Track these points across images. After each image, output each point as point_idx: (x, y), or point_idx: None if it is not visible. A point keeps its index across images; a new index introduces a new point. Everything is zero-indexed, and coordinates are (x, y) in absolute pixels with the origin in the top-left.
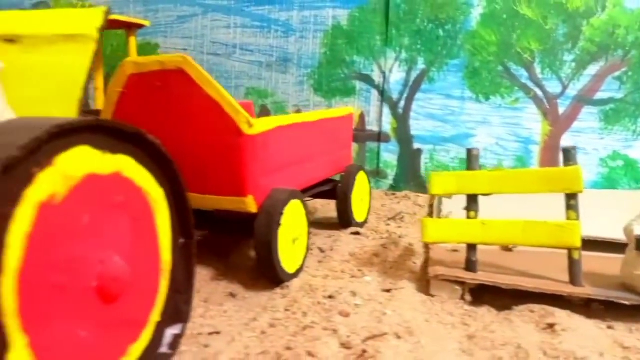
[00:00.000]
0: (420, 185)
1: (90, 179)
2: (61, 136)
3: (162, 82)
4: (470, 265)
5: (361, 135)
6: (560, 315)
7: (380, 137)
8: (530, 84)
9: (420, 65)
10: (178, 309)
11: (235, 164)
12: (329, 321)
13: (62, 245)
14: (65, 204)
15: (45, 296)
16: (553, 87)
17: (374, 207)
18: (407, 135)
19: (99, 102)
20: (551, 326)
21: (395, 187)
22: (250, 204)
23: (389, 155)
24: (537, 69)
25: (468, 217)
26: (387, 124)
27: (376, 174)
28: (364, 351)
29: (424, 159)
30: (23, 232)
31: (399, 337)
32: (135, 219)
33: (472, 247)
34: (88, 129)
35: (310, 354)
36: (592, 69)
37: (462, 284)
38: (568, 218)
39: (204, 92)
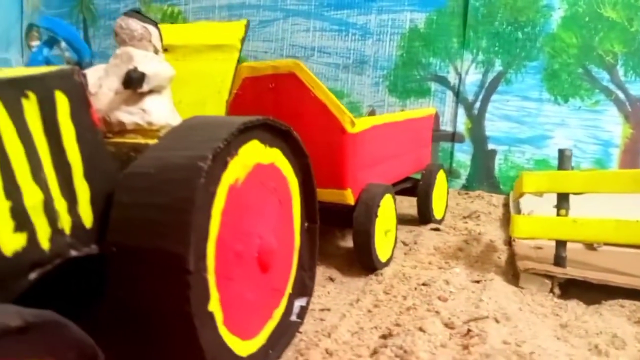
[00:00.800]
0: (494, 185)
1: (257, 167)
2: (245, 131)
3: (274, 84)
4: (560, 260)
5: (435, 135)
6: None
7: (454, 137)
8: (611, 87)
9: (498, 67)
10: (304, 284)
11: (337, 159)
12: (429, 304)
13: (240, 220)
14: (243, 187)
15: (230, 261)
16: (636, 89)
17: (448, 205)
18: (482, 136)
19: None
20: None
21: (468, 187)
22: (349, 197)
23: (463, 155)
24: (620, 71)
25: (558, 215)
26: (462, 124)
27: (449, 174)
28: (469, 330)
29: (498, 160)
30: (220, 207)
31: (497, 321)
32: (281, 203)
33: (561, 244)
34: (259, 126)
35: (421, 329)
36: None
37: (551, 278)
38: None
39: (313, 94)
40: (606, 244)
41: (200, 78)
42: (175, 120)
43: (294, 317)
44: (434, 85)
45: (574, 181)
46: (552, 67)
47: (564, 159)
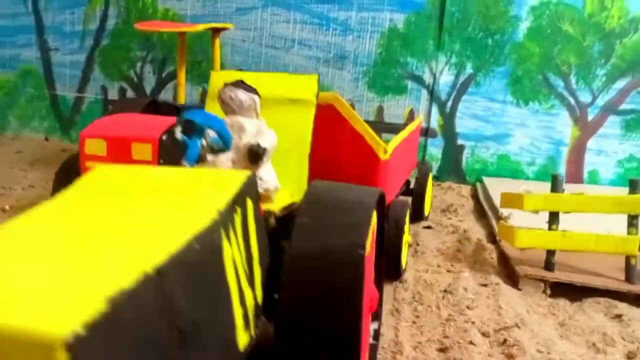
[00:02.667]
0: (461, 177)
1: (373, 232)
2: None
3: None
4: (550, 266)
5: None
6: (622, 307)
7: (427, 132)
8: (565, 93)
9: (469, 70)
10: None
11: (371, 183)
12: (462, 314)
13: (369, 280)
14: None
15: (365, 319)
16: (585, 97)
17: None
18: (452, 132)
19: (180, 97)
20: (618, 316)
21: (438, 178)
22: None
23: (434, 149)
24: (573, 80)
25: (550, 229)
26: (435, 121)
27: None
28: (505, 340)
29: (465, 154)
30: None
31: (519, 327)
32: (375, 250)
33: (552, 252)
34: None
35: (471, 342)
36: (620, 83)
37: (543, 280)
38: (629, 233)
39: (350, 125)
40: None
41: (280, 130)
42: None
43: (371, 340)
44: (410, 84)
45: (565, 202)
46: (516, 73)
47: (557, 183)
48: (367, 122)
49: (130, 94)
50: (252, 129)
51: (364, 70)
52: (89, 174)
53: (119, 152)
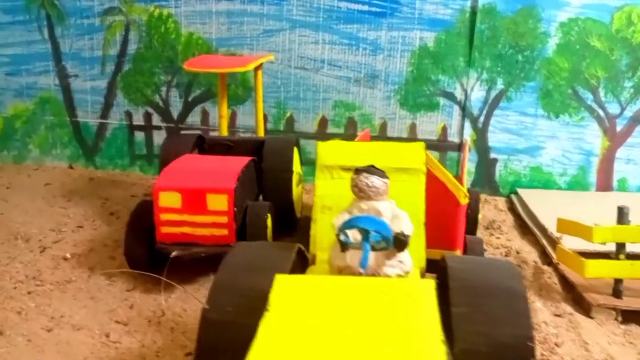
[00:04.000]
0: (494, 189)
1: None
2: None
3: None
4: (619, 293)
5: (443, 145)
6: None
7: (460, 147)
8: (594, 106)
9: (500, 85)
10: None
11: (452, 226)
12: (554, 352)
13: None
14: None
15: None
16: (613, 108)
17: None
18: (485, 146)
19: (222, 129)
20: None
21: None
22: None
23: (468, 164)
24: (601, 92)
25: (618, 259)
26: (467, 136)
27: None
28: None
29: (498, 167)
30: None
31: None
32: None
33: (619, 280)
34: None
35: None
36: None
37: (614, 308)
38: None
39: (433, 174)
40: None
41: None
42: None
43: None
44: (442, 100)
45: (633, 234)
46: (546, 87)
47: (622, 215)
48: (400, 139)
49: (156, 119)
50: (388, 214)
51: (396, 88)
52: (277, 288)
53: (194, 204)
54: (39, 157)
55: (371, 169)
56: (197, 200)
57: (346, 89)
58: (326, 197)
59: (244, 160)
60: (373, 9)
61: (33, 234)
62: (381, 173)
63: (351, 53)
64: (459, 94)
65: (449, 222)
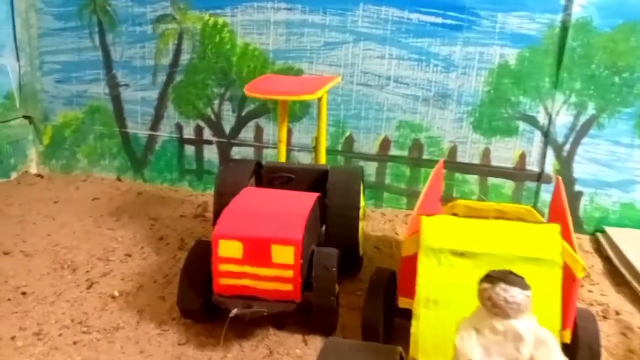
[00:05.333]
0: (578, 225)
1: None
2: None
3: None
4: None
5: (520, 174)
6: None
7: (540, 177)
8: None
9: (591, 110)
10: None
11: (566, 302)
12: None
13: None
14: None
15: None
16: None
17: None
18: (570, 178)
19: (281, 154)
20: None
21: None
22: (567, 336)
23: (547, 196)
24: None
25: None
26: (550, 165)
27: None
28: None
29: (584, 201)
30: None
31: None
32: None
33: None
34: None
35: None
36: None
37: None
38: None
39: None
40: None
41: None
42: None
43: None
44: (521, 125)
45: None
46: None
47: None
48: (471, 165)
49: (207, 133)
50: (531, 338)
51: (469, 110)
52: None
53: (257, 255)
54: (87, 167)
55: (510, 278)
56: (261, 251)
57: (413, 109)
58: (432, 288)
59: (310, 199)
60: (448, 21)
61: (80, 263)
62: (523, 283)
63: (421, 70)
64: (542, 119)
65: (564, 300)
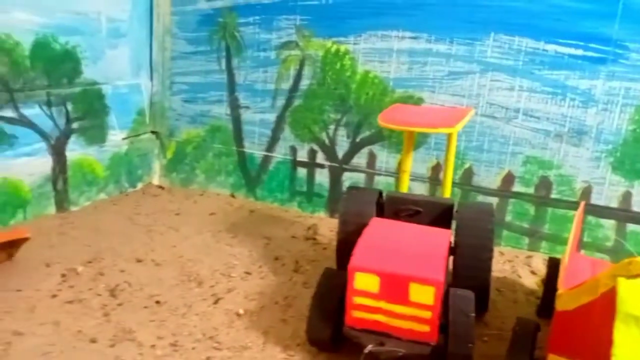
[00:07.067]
0: None
1: None
2: None
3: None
4: None
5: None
6: None
7: None
8: None
9: None
10: None
11: None
12: None
13: None
14: None
15: None
16: None
17: None
18: None
19: (403, 185)
20: None
21: None
22: None
23: None
24: None
25: None
26: None
27: None
28: None
29: None
30: None
31: None
32: None
33: None
34: None
35: None
36: None
37: None
38: None
39: None
40: None
41: None
42: None
43: None
44: None
45: None
46: None
47: None
48: (608, 209)
49: (320, 156)
50: None
51: (609, 148)
52: None
53: (394, 292)
54: (204, 182)
55: None
56: (399, 288)
57: (543, 144)
58: None
59: (444, 237)
60: (589, 53)
61: (205, 276)
62: None
63: (554, 103)
64: None
65: None
